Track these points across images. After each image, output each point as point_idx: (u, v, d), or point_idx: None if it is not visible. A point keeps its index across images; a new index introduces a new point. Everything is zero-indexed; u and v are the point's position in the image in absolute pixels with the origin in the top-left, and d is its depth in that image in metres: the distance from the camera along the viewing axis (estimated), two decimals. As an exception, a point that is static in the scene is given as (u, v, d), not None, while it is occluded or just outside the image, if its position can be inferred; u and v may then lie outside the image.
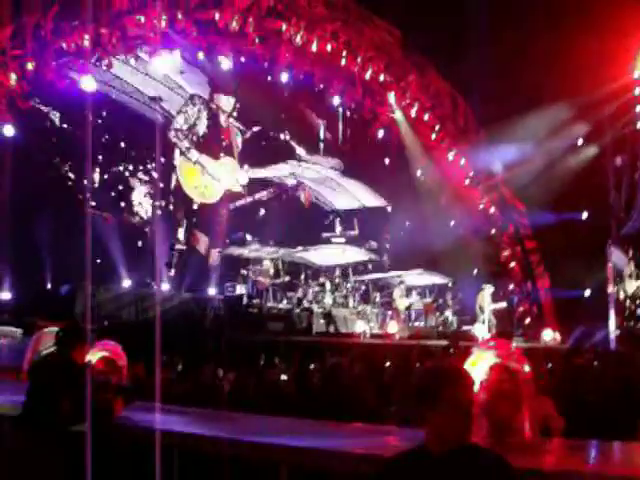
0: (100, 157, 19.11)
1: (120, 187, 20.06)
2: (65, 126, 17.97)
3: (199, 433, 4.16)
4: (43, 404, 4.68)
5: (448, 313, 18.83)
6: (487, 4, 17.70)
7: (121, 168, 20.20)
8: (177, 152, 20.97)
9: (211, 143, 22.19)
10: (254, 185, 22.50)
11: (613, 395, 6.61)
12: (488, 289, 18.48)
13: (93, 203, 18.36)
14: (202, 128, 21.73)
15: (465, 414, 2.62)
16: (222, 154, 22.37)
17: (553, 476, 3.18)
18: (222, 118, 22.25)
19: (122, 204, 19.98)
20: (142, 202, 20.30)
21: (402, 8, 17.96)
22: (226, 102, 22.18)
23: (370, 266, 18.75)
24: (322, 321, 15.81)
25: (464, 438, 2.63)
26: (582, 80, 17.09)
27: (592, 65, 16.37)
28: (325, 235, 19.55)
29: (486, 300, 18.34)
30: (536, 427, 3.92)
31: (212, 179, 21.70)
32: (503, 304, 18.47)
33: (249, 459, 3.88)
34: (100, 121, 18.63)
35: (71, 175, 18.14)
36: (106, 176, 19.48)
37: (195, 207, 21.33)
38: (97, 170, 19.21)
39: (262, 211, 22.27)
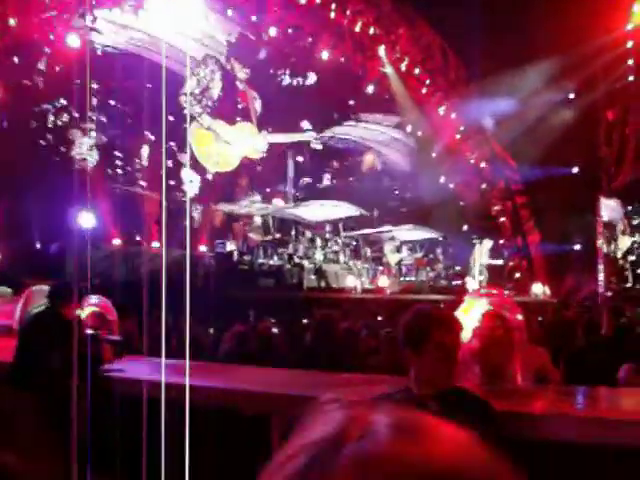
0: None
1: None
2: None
3: (190, 383, 4.15)
4: (33, 359, 4.68)
5: (439, 267, 18.92)
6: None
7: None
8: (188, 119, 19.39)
9: (226, 107, 20.72)
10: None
11: (600, 345, 6.68)
12: (486, 243, 18.54)
13: (143, 183, 18.07)
14: (216, 91, 20.17)
15: (450, 357, 2.63)
16: (239, 118, 20.94)
17: (543, 419, 3.21)
18: (238, 81, 20.63)
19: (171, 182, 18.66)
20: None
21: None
22: (240, 69, 20.48)
23: (360, 221, 18.70)
24: (313, 277, 15.85)
25: (449, 381, 2.64)
26: (574, 33, 16.89)
27: (584, 18, 16.17)
28: None
29: (484, 254, 18.43)
30: (528, 375, 3.95)
31: (227, 145, 20.16)
32: (500, 261, 18.56)
33: (240, 409, 3.88)
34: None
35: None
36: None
37: (210, 177, 19.71)
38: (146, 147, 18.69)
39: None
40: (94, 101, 17.80)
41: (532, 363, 4.04)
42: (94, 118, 17.86)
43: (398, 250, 17.88)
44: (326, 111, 21.20)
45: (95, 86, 17.63)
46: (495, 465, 0.72)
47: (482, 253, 18.52)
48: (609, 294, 17.01)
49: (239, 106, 21.14)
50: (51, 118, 17.52)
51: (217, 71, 20.06)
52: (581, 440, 3.02)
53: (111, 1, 14.86)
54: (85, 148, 17.06)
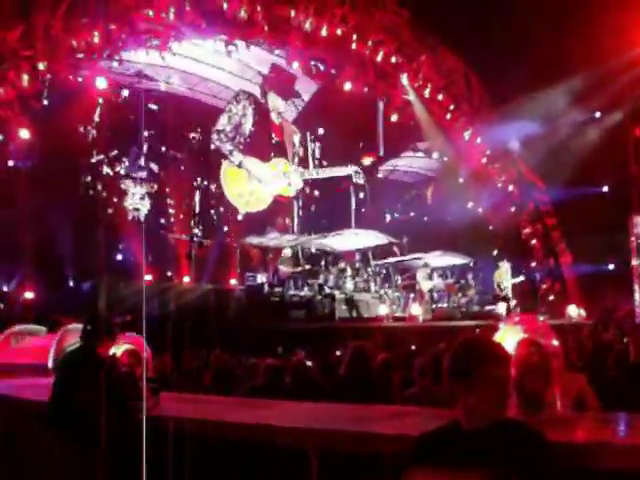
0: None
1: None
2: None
3: (228, 420, 4.15)
4: (67, 398, 4.70)
5: (471, 293, 18.76)
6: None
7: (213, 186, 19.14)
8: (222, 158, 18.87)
9: (259, 142, 19.75)
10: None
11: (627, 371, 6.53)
12: (504, 265, 18.46)
13: (196, 231, 17.51)
14: (248, 126, 19.48)
15: (502, 390, 2.58)
16: (273, 154, 19.97)
17: (584, 448, 3.14)
18: (273, 114, 19.90)
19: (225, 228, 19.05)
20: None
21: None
22: (277, 101, 19.83)
23: (389, 249, 18.63)
24: (344, 307, 15.78)
25: (499, 414, 2.59)
26: (597, 51, 16.86)
27: (607, 36, 16.14)
28: None
29: (504, 276, 18.32)
30: (568, 402, 3.87)
31: (259, 183, 19.25)
32: (521, 278, 18.39)
33: (279, 445, 3.86)
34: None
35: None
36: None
37: (240, 218, 19.04)
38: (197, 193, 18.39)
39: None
40: (144, 148, 18.31)
41: (571, 390, 3.95)
42: (144, 166, 18.08)
43: (430, 277, 17.78)
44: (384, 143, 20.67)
45: (146, 133, 18.14)
46: None
47: (502, 275, 18.40)
48: None
49: (273, 141, 20.37)
50: (105, 169, 17.39)
51: (249, 106, 19.48)
52: (623, 468, 2.95)
53: (136, 42, 15.10)
54: (137, 198, 17.22)
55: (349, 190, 19.72)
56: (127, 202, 17.19)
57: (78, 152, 16.74)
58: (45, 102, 15.10)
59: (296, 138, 20.46)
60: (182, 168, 18.87)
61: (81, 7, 13.88)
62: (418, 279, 17.62)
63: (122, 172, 17.54)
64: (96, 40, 14.39)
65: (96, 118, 16.88)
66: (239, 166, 19.04)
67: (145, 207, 17.26)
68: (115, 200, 17.35)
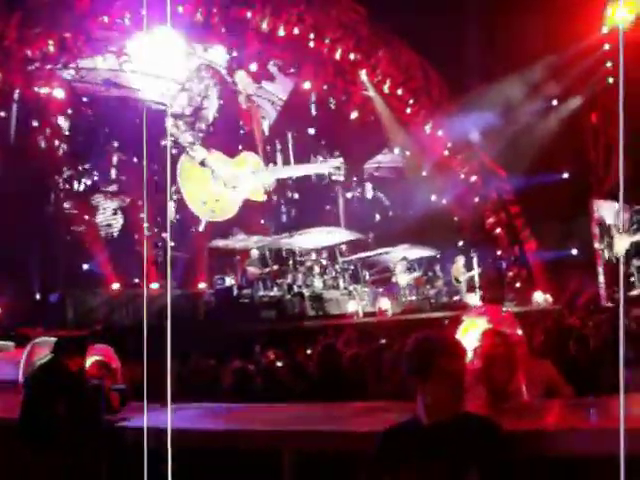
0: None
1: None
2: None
3: (199, 428, 4.15)
4: (38, 411, 4.66)
5: (439, 284, 18.92)
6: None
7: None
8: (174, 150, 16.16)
9: (225, 132, 17.35)
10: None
11: (603, 353, 6.65)
12: (460, 260, 18.66)
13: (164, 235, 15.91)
14: (212, 112, 17.03)
15: (457, 384, 2.62)
16: (241, 147, 18.00)
17: (555, 435, 3.19)
18: (242, 98, 17.48)
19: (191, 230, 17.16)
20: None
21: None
22: (246, 82, 17.16)
23: (356, 245, 18.68)
24: (314, 305, 15.81)
25: (457, 408, 2.63)
26: (552, 40, 17.11)
27: (561, 24, 16.37)
28: None
29: (460, 270, 18.56)
30: (535, 390, 3.93)
31: (225, 187, 16.95)
32: (475, 271, 18.61)
33: (250, 449, 3.87)
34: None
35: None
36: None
37: (202, 229, 16.87)
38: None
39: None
40: (114, 159, 16.89)
41: (538, 377, 4.01)
42: (114, 178, 16.80)
43: (409, 270, 17.92)
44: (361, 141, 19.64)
45: (116, 144, 16.82)
46: None
47: (459, 269, 18.64)
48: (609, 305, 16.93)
49: (241, 131, 18.47)
50: (75, 185, 16.21)
51: (213, 86, 17.07)
52: (594, 454, 2.99)
53: (92, 50, 14.93)
54: (109, 213, 16.26)
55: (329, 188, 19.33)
56: (99, 218, 16.29)
57: (46, 166, 16.01)
58: (13, 116, 14.84)
59: (265, 124, 18.69)
60: (156, 179, 17.49)
61: (34, 16, 13.69)
62: (396, 272, 17.73)
63: (91, 186, 16.54)
64: (51, 49, 14.22)
65: (66, 132, 16.18)
66: (202, 164, 16.64)
67: (118, 222, 16.43)
68: (86, 217, 16.44)
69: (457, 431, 2.55)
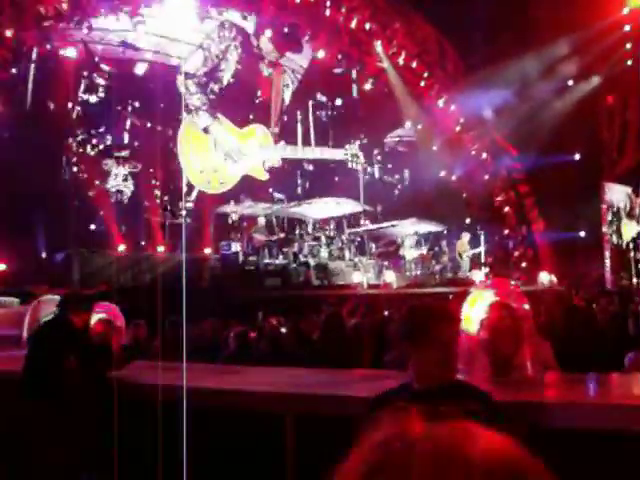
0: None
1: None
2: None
3: (203, 386, 4.17)
4: (47, 365, 4.69)
5: (444, 260, 18.93)
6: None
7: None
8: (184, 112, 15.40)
9: (237, 99, 16.26)
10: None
11: (605, 332, 6.69)
12: (465, 236, 18.69)
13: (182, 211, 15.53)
14: (227, 75, 15.75)
15: (450, 350, 2.64)
16: (252, 117, 17.09)
17: (555, 408, 3.21)
18: (264, 64, 16.61)
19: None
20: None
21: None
22: (271, 47, 16.20)
23: (364, 217, 18.63)
24: (319, 274, 15.85)
25: (449, 375, 2.65)
26: (571, 19, 16.88)
27: (580, 5, 16.14)
28: None
29: (465, 247, 18.57)
30: (538, 366, 3.93)
31: (225, 160, 15.96)
32: (481, 248, 18.61)
33: (253, 410, 3.90)
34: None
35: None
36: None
37: (192, 197, 16.21)
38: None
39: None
40: (127, 124, 16.64)
41: (539, 355, 4.02)
42: (127, 144, 16.62)
43: (418, 244, 17.93)
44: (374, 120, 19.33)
45: (130, 108, 16.49)
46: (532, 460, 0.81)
47: (464, 245, 18.66)
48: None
49: (257, 100, 17.64)
50: (88, 149, 15.81)
51: (234, 49, 15.86)
52: (595, 428, 3.02)
53: (106, 9, 14.79)
54: (120, 179, 16.04)
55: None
56: (109, 184, 16.03)
57: (59, 128, 15.78)
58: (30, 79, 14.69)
59: (287, 93, 17.57)
60: (171, 146, 16.47)
61: (49, -27, 13.58)
62: (404, 246, 17.75)
63: (104, 151, 16.16)
64: (64, 6, 14.10)
65: (81, 94, 15.88)
66: (205, 131, 15.68)
67: (129, 189, 16.14)
68: (97, 182, 16.22)
69: (449, 399, 2.56)
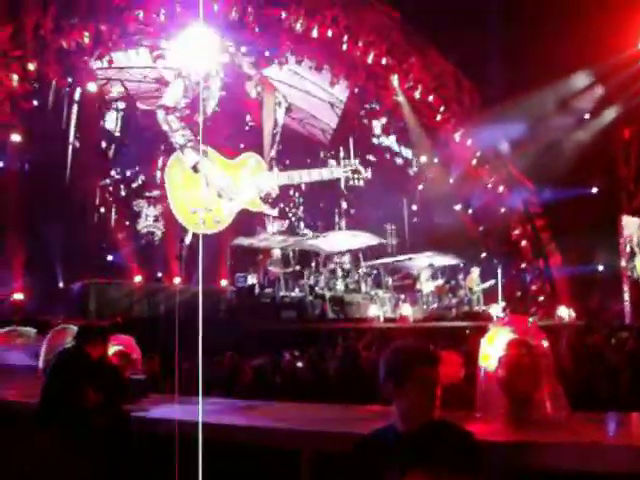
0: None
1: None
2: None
3: (218, 423, 4.15)
4: (60, 398, 4.68)
5: (461, 294, 18.81)
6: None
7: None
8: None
9: (225, 128, 15.63)
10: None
11: (623, 371, 6.57)
12: (475, 271, 18.56)
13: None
14: (212, 103, 14.94)
15: (433, 392, 2.63)
16: (242, 146, 16.26)
17: (575, 449, 3.14)
18: (250, 85, 15.76)
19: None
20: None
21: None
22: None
23: (379, 250, 18.62)
24: (335, 307, 15.79)
25: (429, 416, 2.62)
26: (587, 54, 16.95)
27: (597, 39, 16.21)
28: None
29: (475, 281, 18.44)
30: (557, 401, 3.87)
31: (219, 197, 15.14)
32: (491, 282, 18.46)
33: (270, 447, 3.87)
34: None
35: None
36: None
37: (187, 242, 15.27)
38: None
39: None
40: (159, 164, 16.03)
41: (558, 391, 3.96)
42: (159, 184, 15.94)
43: (434, 277, 17.84)
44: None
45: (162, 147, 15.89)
46: None
47: (473, 280, 18.52)
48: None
49: (246, 126, 16.97)
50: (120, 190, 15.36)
51: (215, 74, 15.25)
52: (614, 470, 2.94)
53: (126, 43, 15.05)
54: (151, 220, 15.70)
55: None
56: (140, 225, 15.81)
57: (90, 165, 15.58)
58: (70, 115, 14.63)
59: (280, 113, 16.47)
60: None
61: (71, 7, 13.85)
62: (421, 279, 17.66)
63: (136, 191, 15.77)
64: (86, 40, 14.35)
65: (117, 132, 15.82)
66: (194, 169, 14.56)
67: (159, 230, 16.01)
68: (127, 223, 15.99)
69: (431, 439, 2.56)
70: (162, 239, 16.44)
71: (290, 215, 19.27)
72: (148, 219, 15.88)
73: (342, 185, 17.24)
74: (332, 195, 19.42)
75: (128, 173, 15.88)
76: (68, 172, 14.69)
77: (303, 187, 19.04)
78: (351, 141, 18.34)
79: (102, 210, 15.90)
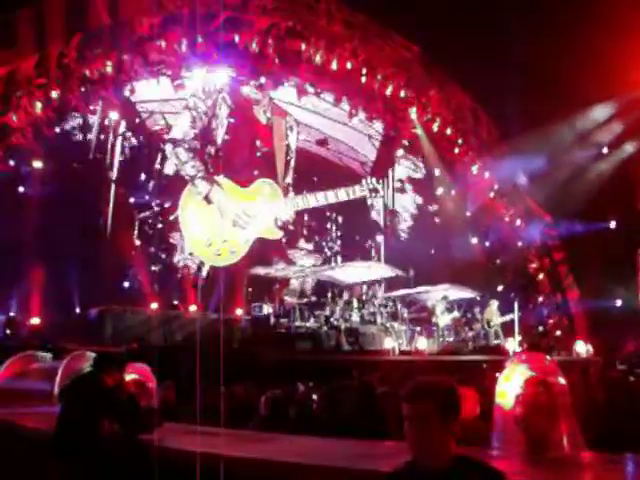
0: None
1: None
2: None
3: (233, 455, 4.13)
4: (82, 427, 4.67)
5: (477, 327, 18.66)
6: (507, 15, 17.65)
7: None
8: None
9: (236, 157, 15.49)
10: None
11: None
12: (493, 303, 18.41)
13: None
14: (221, 131, 15.05)
15: (417, 429, 2.50)
16: (256, 172, 15.96)
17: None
18: (259, 110, 15.61)
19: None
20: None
21: (420, 23, 17.99)
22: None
23: (395, 282, 18.56)
24: (350, 339, 15.70)
25: (448, 451, 2.54)
26: (605, 88, 16.96)
27: (614, 73, 16.24)
28: None
29: (494, 314, 18.27)
30: (574, 440, 3.81)
31: (234, 227, 14.84)
32: (510, 316, 18.29)
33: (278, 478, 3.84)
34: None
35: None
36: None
37: (204, 274, 15.71)
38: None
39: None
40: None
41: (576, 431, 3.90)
42: None
43: (449, 310, 17.72)
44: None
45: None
46: None
47: (492, 313, 18.35)
48: None
49: (258, 153, 16.55)
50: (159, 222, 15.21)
51: (222, 101, 15.25)
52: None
53: (148, 73, 15.28)
54: (187, 253, 15.54)
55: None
56: (176, 258, 15.70)
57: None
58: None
59: (292, 137, 16.41)
60: None
61: (95, 37, 14.12)
62: (436, 313, 17.54)
63: (173, 223, 15.36)
64: (109, 70, 14.60)
65: (157, 165, 15.99)
66: (206, 199, 14.46)
67: (195, 264, 15.89)
68: (163, 256, 15.97)
69: (460, 476, 2.46)
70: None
71: (326, 250, 19.20)
72: (184, 252, 15.59)
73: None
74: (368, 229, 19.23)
75: (166, 205, 15.77)
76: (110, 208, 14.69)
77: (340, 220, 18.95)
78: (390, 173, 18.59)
79: (138, 243, 16.00)
